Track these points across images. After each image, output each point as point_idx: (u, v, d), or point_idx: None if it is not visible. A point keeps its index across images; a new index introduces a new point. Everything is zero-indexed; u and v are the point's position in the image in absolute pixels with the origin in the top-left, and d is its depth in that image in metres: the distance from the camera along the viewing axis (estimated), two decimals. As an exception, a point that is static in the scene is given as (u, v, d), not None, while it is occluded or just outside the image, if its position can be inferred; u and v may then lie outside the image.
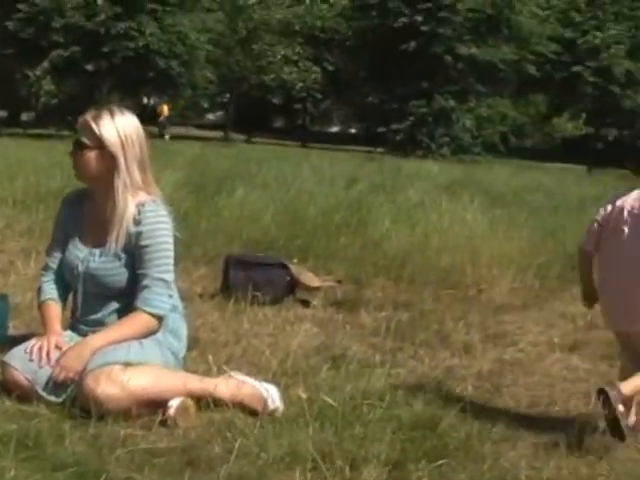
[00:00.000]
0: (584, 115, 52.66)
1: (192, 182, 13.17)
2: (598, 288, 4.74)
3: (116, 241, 4.29)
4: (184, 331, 4.52)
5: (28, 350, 4.17)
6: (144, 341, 4.24)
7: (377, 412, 4.12)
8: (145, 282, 4.26)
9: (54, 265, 4.59)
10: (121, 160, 4.25)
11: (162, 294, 4.29)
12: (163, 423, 3.91)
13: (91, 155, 4.27)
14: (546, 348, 6.11)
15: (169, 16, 38.57)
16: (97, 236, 4.39)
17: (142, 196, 4.32)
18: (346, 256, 8.35)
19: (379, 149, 41.52)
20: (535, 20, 44.88)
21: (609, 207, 4.63)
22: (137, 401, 3.95)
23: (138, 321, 4.27)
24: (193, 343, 5.12)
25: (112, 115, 4.30)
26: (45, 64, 35.32)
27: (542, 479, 3.72)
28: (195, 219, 9.40)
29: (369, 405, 4.21)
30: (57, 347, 4.21)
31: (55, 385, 4.08)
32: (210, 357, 4.80)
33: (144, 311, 4.25)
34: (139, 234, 4.25)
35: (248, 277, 6.54)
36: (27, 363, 4.13)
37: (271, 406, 4.15)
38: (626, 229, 4.52)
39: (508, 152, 42.36)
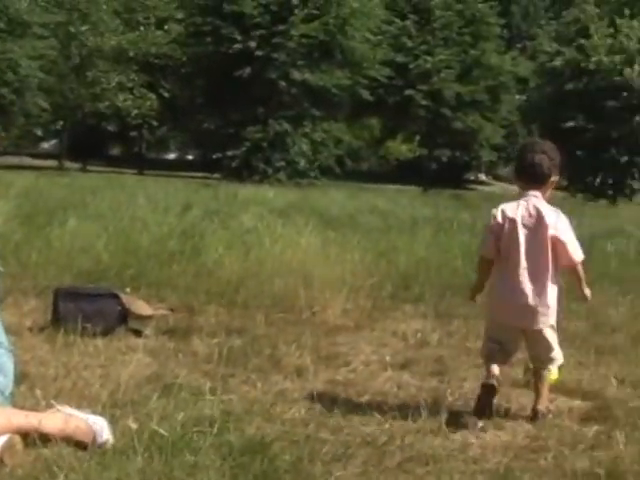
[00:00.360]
0: (417, 137, 54.01)
1: (23, 213, 12.89)
2: (498, 290, 5.27)
3: None
4: (10, 366, 4.44)
5: None
6: None
7: (207, 439, 4.13)
8: None
9: None
10: None
11: None
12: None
13: None
14: (378, 367, 6.22)
15: (-1, 43, 37.73)
16: None
17: None
18: (179, 284, 8.31)
19: (215, 175, 41.54)
20: (367, 45, 45.66)
21: (499, 219, 5.13)
22: None
23: None
24: (21, 378, 5.03)
25: None
26: None
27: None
28: (26, 251, 9.20)
29: (199, 432, 4.21)
30: None
31: None
32: (38, 391, 4.73)
33: None
34: None
35: (78, 308, 6.44)
36: None
37: (100, 439, 4.11)
38: (522, 241, 5.09)
39: (344, 175, 42.96)
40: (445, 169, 57.00)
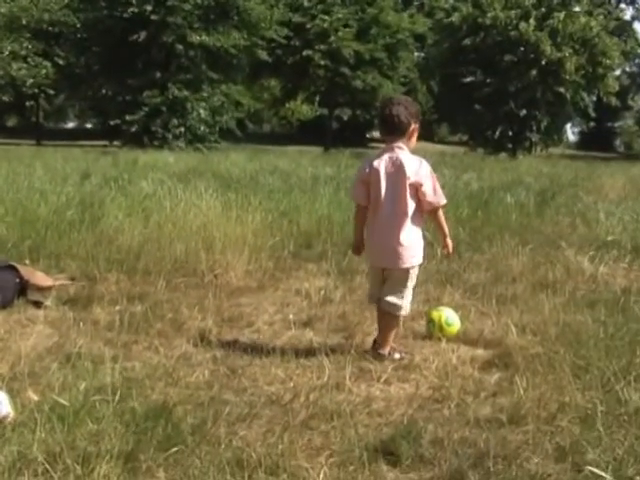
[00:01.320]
0: (318, 97, 53.99)
1: None
2: (366, 235, 5.64)
3: None
4: None
5: None
6: None
7: (110, 407, 4.10)
8: None
9: None
10: None
11: None
12: None
13: None
14: (282, 326, 6.24)
15: None
16: None
17: None
18: (79, 253, 8.18)
19: (115, 142, 41.04)
20: (264, 5, 45.36)
21: (367, 169, 5.55)
22: None
23: None
24: None
25: None
26: None
27: (276, 454, 3.80)
28: None
29: (102, 401, 4.18)
30: None
31: None
32: None
33: None
34: None
35: (-26, 282, 6.32)
36: None
37: (1, 413, 4.05)
38: (383, 188, 5.44)
39: (246, 138, 42.82)
40: (346, 128, 57.20)
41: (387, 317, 5.56)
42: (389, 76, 52.95)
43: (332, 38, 49.78)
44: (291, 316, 6.45)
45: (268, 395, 4.68)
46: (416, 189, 5.41)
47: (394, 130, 5.50)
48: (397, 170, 5.44)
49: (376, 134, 67.16)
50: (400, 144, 5.50)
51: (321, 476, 3.66)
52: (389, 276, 5.55)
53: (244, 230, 8.51)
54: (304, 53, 50.14)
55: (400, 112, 5.45)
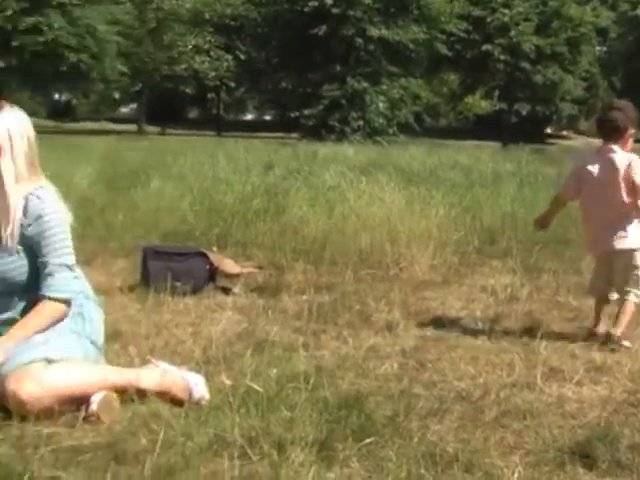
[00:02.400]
0: (496, 92, 53.36)
1: (107, 176, 13.04)
2: (585, 223, 6.03)
3: (11, 236, 4.22)
4: (99, 317, 4.49)
5: None
6: (62, 334, 4.18)
7: (302, 394, 4.11)
8: (46, 270, 4.23)
9: None
10: (7, 152, 4.20)
11: (65, 277, 4.25)
12: (87, 419, 3.83)
13: None
14: (468, 322, 6.14)
15: (77, 9, 38.00)
16: None
17: (29, 187, 4.25)
18: (265, 242, 8.33)
19: (294, 134, 41.54)
20: (443, -1, 45.22)
21: (583, 166, 5.82)
22: (60, 399, 3.87)
23: (44, 310, 4.21)
24: (114, 336, 5.08)
25: (6, 107, 4.30)
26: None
27: (470, 451, 3.73)
28: (111, 213, 9.32)
29: (294, 388, 4.19)
30: None
31: None
32: (132, 349, 4.75)
33: (49, 298, 4.20)
34: (30, 224, 4.21)
35: (167, 267, 6.46)
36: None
37: (196, 395, 4.11)
38: (598, 184, 5.71)
39: (423, 132, 42.66)
40: (525, 123, 56.31)
41: (623, 304, 5.73)
42: (570, 71, 51.88)
43: (512, 32, 49.17)
44: (478, 312, 6.37)
45: (458, 391, 4.60)
46: (630, 182, 5.62)
47: (610, 134, 5.71)
48: (611, 167, 5.66)
49: (555, 130, 66.11)
50: (614, 147, 5.70)
51: (515, 475, 3.57)
52: (615, 264, 5.79)
53: (428, 224, 8.46)
54: (483, 47, 49.69)
55: (618, 117, 5.70)
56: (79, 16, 38.30)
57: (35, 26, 36.03)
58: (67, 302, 4.26)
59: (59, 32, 36.64)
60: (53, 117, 64.95)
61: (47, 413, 3.83)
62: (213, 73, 51.61)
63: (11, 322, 4.29)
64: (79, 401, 3.93)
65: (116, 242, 8.17)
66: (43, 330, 4.17)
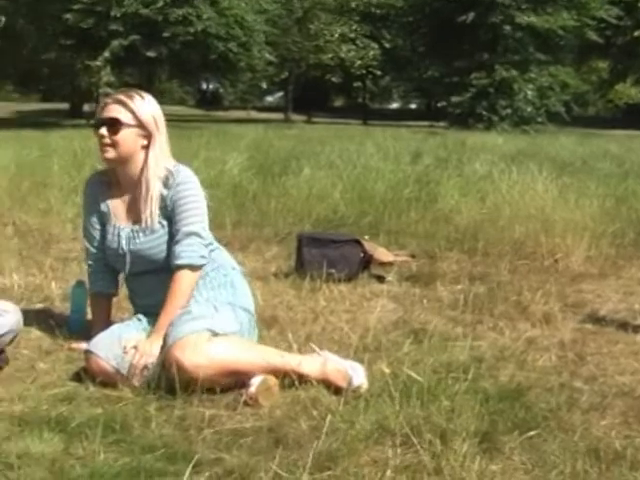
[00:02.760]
0: (649, 80, 51.97)
1: (257, 164, 13.20)
2: None
3: (151, 216, 4.42)
4: (247, 285, 4.66)
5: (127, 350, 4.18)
6: (218, 307, 4.30)
7: (462, 385, 4.07)
8: (176, 238, 4.38)
9: (96, 250, 4.72)
10: (156, 137, 4.43)
11: (193, 244, 4.36)
12: (247, 403, 3.89)
13: (129, 133, 4.40)
14: (627, 315, 5.98)
15: (225, 0, 38.58)
16: (133, 213, 4.52)
17: (168, 164, 4.48)
18: (417, 231, 8.30)
19: (441, 123, 41.29)
20: (594, -16, 44.20)
21: None
22: (221, 372, 3.95)
23: (180, 283, 4.33)
24: (271, 322, 5.15)
25: (141, 96, 4.49)
26: (106, 54, 35.52)
27: (636, 447, 3.63)
28: (264, 200, 9.44)
29: (453, 378, 4.15)
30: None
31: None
32: (290, 335, 4.79)
33: (180, 267, 4.33)
34: (170, 196, 4.39)
35: (322, 254, 6.49)
36: (111, 350, 4.16)
37: (356, 383, 4.12)
38: None
39: (571, 121, 41.82)
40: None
41: None
42: None
43: (666, 18, 47.72)
44: (637, 306, 6.20)
45: (619, 386, 4.48)
46: None
47: None
48: None
49: None
50: None
51: (685, 475, 3.46)
52: None
53: (582, 215, 8.29)
54: (635, 33, 48.30)
55: None
56: (227, 6, 38.80)
57: (185, 17, 36.65)
58: (197, 268, 4.37)
59: (208, 22, 37.17)
60: (201, 106, 66.22)
61: (206, 384, 3.91)
62: (359, 62, 51.75)
63: (159, 304, 4.40)
64: (239, 377, 4.00)
65: (270, 229, 8.28)
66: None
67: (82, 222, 4.84)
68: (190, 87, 68.19)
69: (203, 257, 4.38)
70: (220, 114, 56.31)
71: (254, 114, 56.13)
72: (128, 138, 4.39)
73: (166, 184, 4.40)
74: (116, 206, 4.57)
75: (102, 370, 4.11)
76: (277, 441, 3.49)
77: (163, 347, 4.09)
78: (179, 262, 4.32)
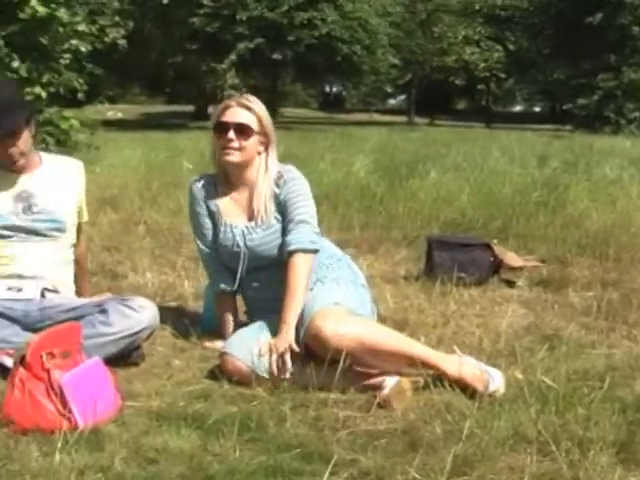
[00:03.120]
0: None
1: (383, 166, 13.21)
2: None
3: (266, 211, 4.57)
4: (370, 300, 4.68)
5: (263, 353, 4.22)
6: (340, 284, 4.39)
7: (598, 393, 4.00)
8: (287, 229, 4.49)
9: (210, 250, 4.82)
10: (272, 142, 4.64)
11: (303, 231, 4.47)
12: (380, 405, 3.88)
13: (256, 139, 4.57)
14: None
15: (349, 3, 38.73)
16: (246, 212, 4.67)
17: (277, 170, 4.65)
18: (546, 235, 8.17)
19: (566, 126, 40.65)
20: None
21: None
22: (360, 347, 3.97)
23: (296, 269, 4.36)
24: (402, 324, 5.15)
25: (257, 100, 4.66)
26: (232, 57, 36.01)
27: None
28: (391, 202, 9.44)
29: (589, 386, 4.09)
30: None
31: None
32: (422, 338, 4.78)
33: (292, 252, 4.40)
34: (281, 193, 4.56)
35: (452, 258, 6.44)
36: (247, 350, 4.21)
37: (492, 388, 4.09)
38: None
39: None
40: None
41: None
42: None
43: None
44: None
45: None
46: None
47: None
48: None
49: None
50: None
51: None
52: None
53: None
54: None
55: None
56: (352, 10, 38.97)
57: (309, 20, 36.95)
58: (312, 252, 4.44)
59: (332, 26, 37.40)
60: (324, 108, 66.58)
61: (339, 356, 3.93)
62: (483, 64, 51.40)
63: (275, 299, 4.45)
64: (376, 359, 4.04)
65: (398, 231, 8.27)
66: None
67: (192, 226, 4.95)
68: (313, 90, 68.67)
69: (313, 242, 4.45)
70: (343, 117, 56.47)
71: (377, 117, 56.15)
72: (254, 144, 4.57)
73: (278, 184, 4.56)
74: (226, 205, 4.71)
75: (238, 370, 4.16)
76: (412, 444, 3.48)
77: (297, 335, 4.15)
78: (291, 248, 4.40)
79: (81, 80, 16.36)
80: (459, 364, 4.14)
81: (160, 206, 9.75)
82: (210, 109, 50.86)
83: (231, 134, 4.50)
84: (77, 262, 4.96)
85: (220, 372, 4.23)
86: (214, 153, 4.72)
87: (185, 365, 4.48)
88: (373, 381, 4.07)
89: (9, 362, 4.02)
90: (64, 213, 4.75)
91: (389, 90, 56.98)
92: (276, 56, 36.75)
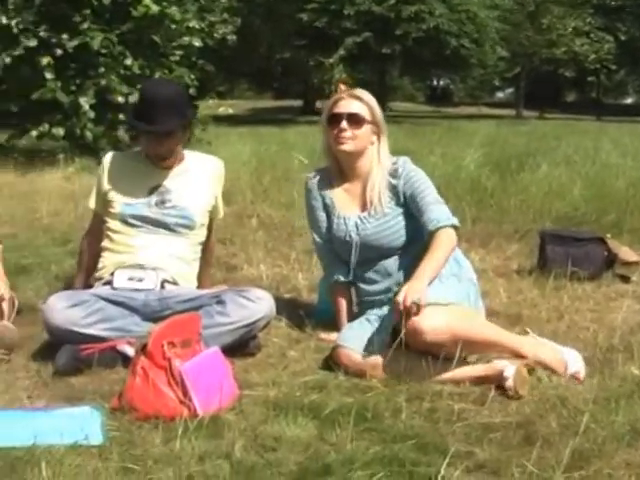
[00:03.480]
0: None
1: (493, 160, 13.12)
2: None
3: (380, 201, 4.62)
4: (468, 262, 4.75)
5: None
6: (442, 279, 4.33)
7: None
8: (422, 210, 4.52)
9: (325, 242, 4.90)
10: (383, 132, 4.71)
11: (445, 210, 4.53)
12: (508, 395, 3.92)
13: (368, 128, 4.65)
14: None
15: (457, -5, 38.54)
16: (359, 202, 4.73)
17: (390, 160, 4.73)
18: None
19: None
20: None
21: None
22: (454, 340, 4.00)
23: (441, 241, 4.39)
24: (514, 319, 5.15)
25: (366, 91, 4.74)
26: (341, 51, 36.11)
27: None
28: (502, 196, 9.38)
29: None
30: None
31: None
32: (535, 333, 4.76)
33: (440, 228, 4.42)
34: (401, 185, 4.61)
35: (566, 252, 6.37)
36: (362, 341, 4.29)
37: (573, 369, 4.16)
38: None
39: None
40: None
41: None
42: None
43: None
44: None
45: None
46: None
47: None
48: None
49: None
50: None
51: None
52: None
53: None
54: None
55: None
56: (459, 2, 38.75)
57: (417, 14, 36.85)
58: (457, 229, 4.50)
59: (440, 19, 37.23)
60: (430, 102, 66.32)
61: (441, 350, 3.99)
62: (593, 56, 50.57)
63: (386, 291, 4.56)
64: (470, 348, 4.10)
65: (509, 225, 8.21)
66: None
67: (309, 219, 5.03)
68: (421, 83, 68.45)
69: (450, 218, 4.50)
70: (450, 110, 56.17)
71: (485, 110, 55.70)
72: (366, 133, 4.64)
73: (394, 175, 4.62)
74: (340, 197, 4.80)
75: (353, 362, 4.22)
76: (527, 438, 3.48)
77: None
78: (431, 227, 4.44)
79: (192, 76, 16.60)
80: (536, 346, 4.23)
81: (272, 200, 9.87)
82: (318, 104, 51.18)
83: (344, 124, 4.58)
84: (203, 256, 5.11)
85: (334, 364, 4.29)
86: (326, 146, 4.79)
87: (300, 356, 4.56)
88: (490, 372, 4.09)
89: (130, 351, 4.15)
90: (195, 211, 4.91)
91: (497, 83, 56.36)
92: (384, 50, 36.72)
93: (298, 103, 53.55)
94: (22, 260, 6.86)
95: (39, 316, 4.75)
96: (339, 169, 4.80)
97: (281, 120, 34.93)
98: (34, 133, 15.44)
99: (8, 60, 14.67)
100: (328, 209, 4.82)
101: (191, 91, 16.12)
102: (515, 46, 47.95)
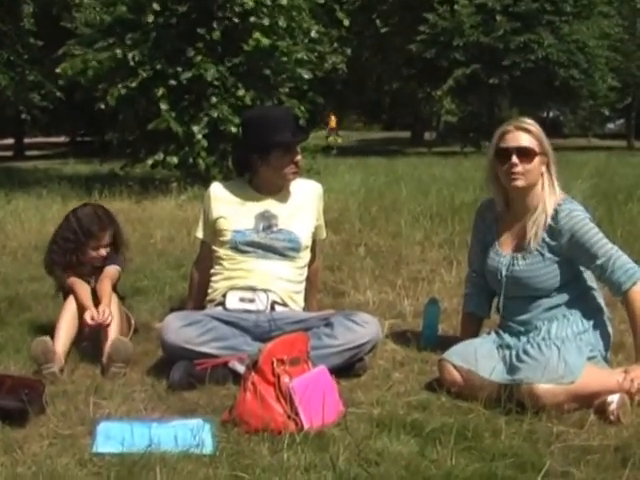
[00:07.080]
0: None
1: (601, 191, 13.04)
2: None
3: (534, 237, 4.51)
4: (609, 331, 4.64)
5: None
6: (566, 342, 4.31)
7: None
8: (602, 268, 4.43)
9: (475, 274, 4.95)
10: (552, 162, 4.55)
11: (622, 264, 4.43)
12: (610, 420, 3.98)
13: (538, 160, 4.51)
14: None
15: (566, 26, 38.14)
16: (516, 240, 4.64)
17: (559, 195, 4.55)
18: None
19: None
20: None
21: None
22: (571, 397, 4.07)
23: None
24: (619, 347, 5.16)
25: (533, 121, 4.61)
26: (450, 82, 36.12)
27: None
28: (609, 227, 9.33)
29: None
30: None
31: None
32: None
33: (626, 291, 4.40)
34: (562, 236, 4.43)
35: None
36: (466, 358, 4.39)
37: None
38: None
39: None
40: None
41: None
42: None
43: None
44: None
45: None
46: None
47: None
48: None
49: None
50: None
51: None
52: None
53: None
54: None
55: None
56: (569, 32, 38.37)
57: (526, 44, 36.62)
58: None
59: (549, 49, 36.94)
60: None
61: (558, 409, 4.02)
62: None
63: (524, 323, 4.57)
64: (588, 400, 4.11)
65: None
66: None
67: (469, 246, 5.14)
68: (530, 115, 67.82)
69: (634, 269, 4.44)
70: (560, 142, 55.54)
71: (595, 141, 54.95)
72: (537, 166, 4.51)
73: (556, 220, 4.45)
74: (502, 233, 4.75)
75: (454, 378, 4.36)
76: (624, 460, 3.54)
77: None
78: (623, 288, 4.42)
79: (302, 108, 16.87)
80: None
81: (379, 229, 10.01)
82: (426, 135, 51.22)
83: (514, 159, 4.47)
84: (309, 278, 5.27)
85: (438, 385, 4.42)
86: (492, 178, 4.69)
87: (404, 378, 4.71)
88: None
89: (240, 368, 4.35)
90: (301, 234, 5.09)
91: (607, 114, 55.51)
92: (492, 81, 36.58)
93: (406, 134, 53.66)
94: (138, 283, 7.19)
95: (153, 334, 5.00)
96: (505, 201, 4.73)
97: (389, 151, 35.07)
98: (149, 162, 15.94)
99: (124, 91, 15.17)
100: (488, 242, 4.80)
101: (301, 122, 16.38)
102: (626, 76, 47.23)
